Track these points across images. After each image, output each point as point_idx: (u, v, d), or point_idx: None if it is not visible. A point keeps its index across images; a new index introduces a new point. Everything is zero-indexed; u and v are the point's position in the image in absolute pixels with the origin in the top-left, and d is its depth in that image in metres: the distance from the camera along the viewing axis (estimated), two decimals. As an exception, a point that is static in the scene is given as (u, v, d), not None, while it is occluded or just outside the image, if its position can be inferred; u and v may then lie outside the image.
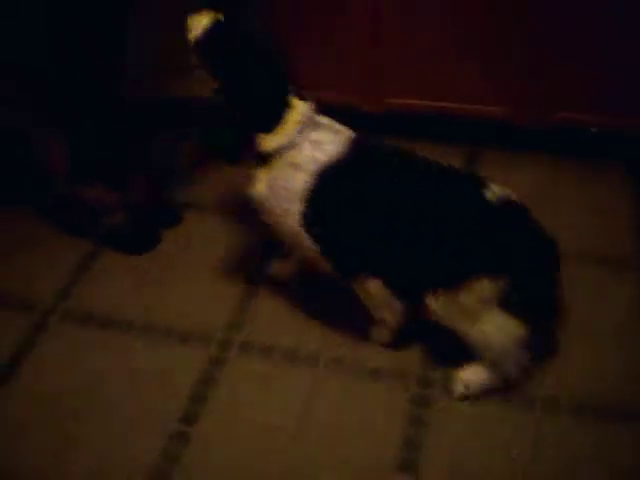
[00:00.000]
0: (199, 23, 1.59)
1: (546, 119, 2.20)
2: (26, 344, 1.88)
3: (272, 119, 1.57)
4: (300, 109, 1.58)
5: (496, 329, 1.54)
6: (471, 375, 1.66)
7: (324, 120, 1.62)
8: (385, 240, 1.55)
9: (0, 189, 2.28)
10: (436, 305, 1.55)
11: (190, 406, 1.71)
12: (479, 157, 2.35)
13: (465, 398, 1.67)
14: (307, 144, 1.56)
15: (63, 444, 1.66)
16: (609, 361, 1.74)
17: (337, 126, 1.62)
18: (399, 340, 1.79)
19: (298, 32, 2.23)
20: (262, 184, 1.62)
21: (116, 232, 2.12)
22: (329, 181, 1.55)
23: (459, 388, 1.67)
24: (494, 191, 1.51)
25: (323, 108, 1.64)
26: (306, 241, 1.61)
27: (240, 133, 1.60)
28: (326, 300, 1.89)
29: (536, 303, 1.58)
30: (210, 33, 1.58)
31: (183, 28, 1.62)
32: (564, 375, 1.71)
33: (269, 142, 1.58)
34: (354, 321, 1.82)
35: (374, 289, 1.66)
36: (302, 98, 1.61)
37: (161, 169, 2.31)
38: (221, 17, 1.60)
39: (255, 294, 1.96)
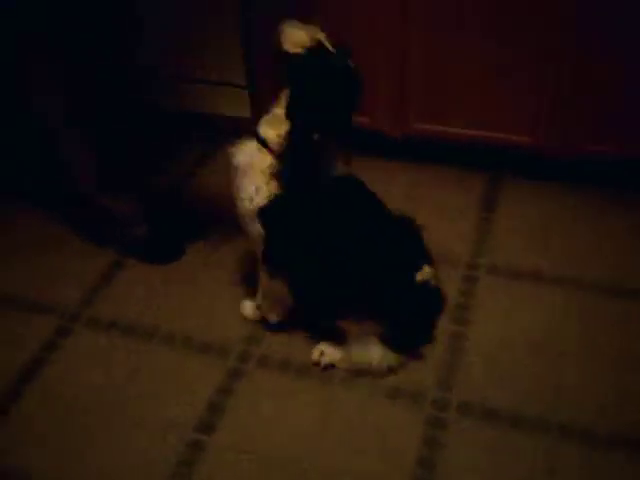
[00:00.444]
0: (303, 40, 1.58)
1: (573, 149, 2.23)
2: (50, 347, 1.92)
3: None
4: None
5: (370, 355, 1.76)
6: (329, 349, 1.83)
7: None
8: (308, 255, 1.70)
9: (32, 193, 2.35)
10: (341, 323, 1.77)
11: (207, 415, 1.74)
12: (499, 183, 2.39)
13: (316, 364, 1.84)
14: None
15: (79, 447, 1.69)
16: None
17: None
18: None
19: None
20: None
21: (140, 243, 2.16)
22: (299, 199, 1.67)
23: (315, 353, 1.85)
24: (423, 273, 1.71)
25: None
26: (253, 224, 1.72)
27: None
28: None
29: (414, 343, 1.83)
30: (311, 54, 1.58)
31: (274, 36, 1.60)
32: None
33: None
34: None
35: (277, 288, 1.81)
36: None
37: (186, 181, 2.36)
38: (322, 37, 1.60)
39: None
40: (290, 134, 1.61)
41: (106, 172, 2.09)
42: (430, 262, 1.77)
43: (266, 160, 1.66)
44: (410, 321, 1.74)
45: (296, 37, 1.58)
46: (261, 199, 1.68)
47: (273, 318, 1.91)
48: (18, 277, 2.14)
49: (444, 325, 1.91)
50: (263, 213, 1.69)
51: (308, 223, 1.69)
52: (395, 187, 2.37)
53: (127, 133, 2.23)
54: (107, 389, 1.82)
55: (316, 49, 1.58)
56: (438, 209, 2.30)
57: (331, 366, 1.84)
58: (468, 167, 2.42)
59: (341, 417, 1.73)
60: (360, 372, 1.81)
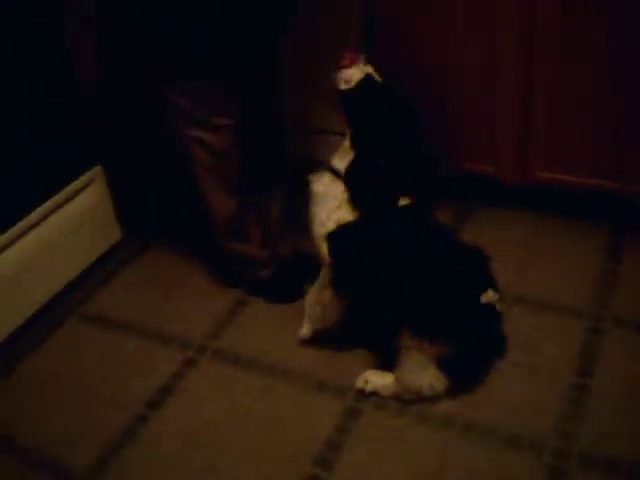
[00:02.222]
0: (353, 76, 1.75)
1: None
2: (177, 377, 2.02)
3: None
4: None
5: (420, 377, 1.79)
6: (374, 376, 1.89)
7: None
8: (372, 278, 1.78)
9: (174, 233, 2.51)
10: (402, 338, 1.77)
11: (325, 452, 1.77)
12: (622, 234, 2.34)
13: (360, 391, 1.88)
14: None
15: (199, 475, 1.75)
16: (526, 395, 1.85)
17: None
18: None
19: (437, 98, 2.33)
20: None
21: (264, 283, 2.25)
22: (361, 228, 1.79)
23: (359, 381, 1.89)
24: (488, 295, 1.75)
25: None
26: (324, 246, 1.83)
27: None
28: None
29: (469, 372, 1.85)
30: (360, 87, 1.76)
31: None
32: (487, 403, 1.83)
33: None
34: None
35: (336, 306, 1.93)
36: None
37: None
38: (371, 70, 1.77)
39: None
40: (353, 163, 1.77)
41: (239, 218, 2.21)
42: (496, 288, 1.79)
43: (338, 189, 1.80)
44: (473, 342, 1.76)
45: (346, 75, 1.76)
46: (331, 224, 1.79)
47: (305, 332, 2.03)
48: (152, 311, 2.26)
49: (565, 377, 1.88)
50: (332, 237, 1.80)
51: (374, 249, 1.77)
52: (513, 235, 2.37)
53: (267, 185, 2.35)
54: (228, 421, 1.88)
55: (365, 82, 1.75)
56: (558, 259, 2.27)
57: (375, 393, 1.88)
58: (590, 217, 2.37)
59: (460, 467, 1.71)
60: (401, 398, 1.84)
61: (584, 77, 2.13)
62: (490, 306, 1.76)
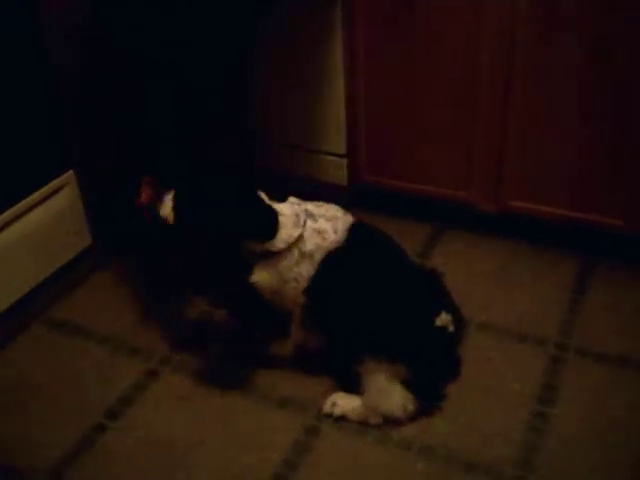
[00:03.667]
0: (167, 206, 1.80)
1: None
2: (138, 388, 2.00)
3: (269, 230, 1.75)
4: (288, 210, 1.78)
5: (390, 398, 1.79)
6: (342, 400, 1.87)
7: (315, 209, 1.80)
8: (337, 312, 1.81)
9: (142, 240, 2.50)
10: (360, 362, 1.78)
11: (283, 469, 1.76)
12: (593, 265, 2.36)
13: (329, 415, 1.86)
14: (311, 234, 1.76)
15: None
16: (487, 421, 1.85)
17: (331, 211, 1.82)
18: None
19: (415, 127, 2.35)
20: (267, 274, 1.80)
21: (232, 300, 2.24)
22: (329, 265, 1.77)
23: (326, 405, 1.88)
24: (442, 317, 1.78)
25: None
26: (301, 299, 1.83)
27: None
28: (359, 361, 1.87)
29: (437, 385, 1.87)
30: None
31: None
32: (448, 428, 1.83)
33: (275, 244, 1.75)
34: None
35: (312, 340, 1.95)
36: (279, 198, 1.82)
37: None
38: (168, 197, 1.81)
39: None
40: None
41: None
42: (448, 309, 1.82)
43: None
44: (429, 364, 1.78)
45: (166, 208, 1.80)
46: (304, 283, 1.79)
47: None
48: (118, 320, 2.24)
49: (528, 403, 1.89)
50: (309, 291, 1.80)
51: (338, 279, 1.79)
52: (483, 261, 2.40)
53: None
54: (187, 435, 1.87)
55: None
56: (526, 287, 2.28)
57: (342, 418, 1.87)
58: (560, 246, 2.40)
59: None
60: (367, 421, 1.84)
61: (559, 108, 2.16)
62: (443, 328, 1.79)
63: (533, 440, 1.80)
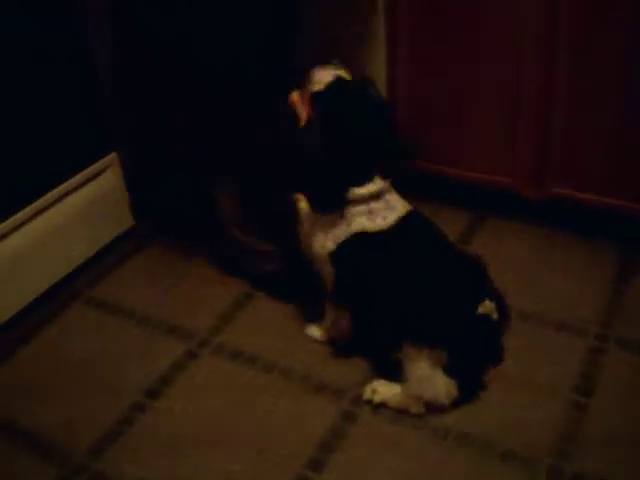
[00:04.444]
0: (324, 78, 1.76)
1: None
2: (177, 368, 2.03)
3: (368, 174, 1.77)
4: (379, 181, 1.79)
5: (433, 385, 1.77)
6: (382, 387, 1.87)
7: (390, 196, 1.81)
8: (374, 289, 1.82)
9: (178, 226, 2.52)
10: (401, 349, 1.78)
11: (318, 454, 1.78)
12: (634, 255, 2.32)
13: (369, 402, 1.86)
14: (364, 210, 1.77)
15: (191, 469, 1.76)
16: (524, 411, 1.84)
17: (394, 201, 1.81)
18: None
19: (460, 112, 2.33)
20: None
21: (271, 276, 2.25)
22: (360, 244, 1.78)
23: (366, 392, 1.88)
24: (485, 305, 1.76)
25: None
26: (327, 265, 1.85)
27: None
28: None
29: (478, 372, 1.85)
30: (330, 89, 1.76)
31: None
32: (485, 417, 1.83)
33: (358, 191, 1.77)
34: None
35: (344, 320, 1.97)
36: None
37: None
38: (345, 74, 1.78)
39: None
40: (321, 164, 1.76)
41: (250, 216, 2.22)
42: (492, 297, 1.80)
43: None
44: (471, 351, 1.77)
45: (318, 76, 1.78)
46: (330, 244, 1.81)
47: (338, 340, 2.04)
48: (158, 299, 2.28)
49: (566, 393, 1.88)
50: (334, 256, 1.82)
51: (374, 263, 1.79)
52: (523, 249, 2.38)
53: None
54: (225, 415, 1.89)
55: (335, 82, 1.76)
56: (566, 276, 2.26)
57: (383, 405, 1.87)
58: (602, 235, 2.36)
59: (450, 476, 1.72)
60: (408, 409, 1.84)
61: (605, 93, 2.12)
62: (487, 316, 1.77)
63: (570, 430, 1.79)
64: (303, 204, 1.90)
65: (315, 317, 2.09)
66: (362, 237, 1.78)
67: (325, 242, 1.83)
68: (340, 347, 2.03)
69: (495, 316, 1.80)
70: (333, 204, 1.79)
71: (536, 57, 2.14)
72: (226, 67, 2.03)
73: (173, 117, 2.29)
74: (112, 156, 2.37)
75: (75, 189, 2.28)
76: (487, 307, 1.77)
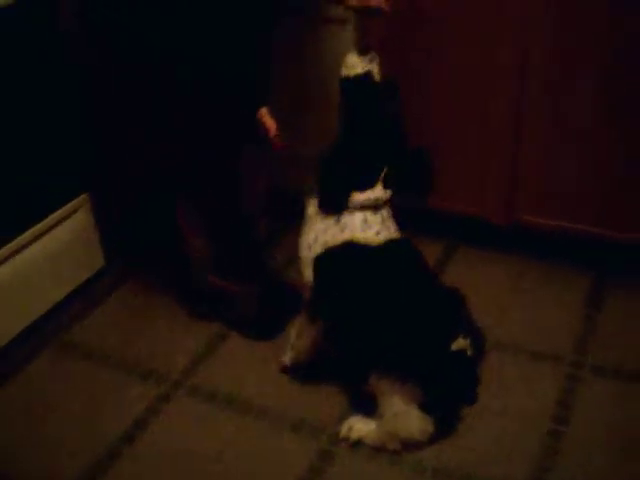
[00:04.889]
0: (355, 66, 1.77)
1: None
2: (151, 412, 2.00)
3: (371, 180, 1.77)
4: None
5: (408, 421, 1.76)
6: (359, 423, 1.85)
7: (386, 213, 1.82)
8: (350, 307, 1.79)
9: (152, 268, 2.51)
10: (372, 381, 1.76)
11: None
12: (606, 280, 2.34)
13: (344, 440, 1.85)
14: (360, 218, 1.77)
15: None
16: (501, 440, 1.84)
17: (388, 222, 1.82)
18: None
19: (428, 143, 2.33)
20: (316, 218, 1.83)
21: (245, 319, 2.24)
22: (347, 254, 1.77)
23: (343, 429, 1.86)
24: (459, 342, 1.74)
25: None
26: (308, 270, 1.84)
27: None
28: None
29: (453, 408, 1.85)
30: (355, 83, 1.77)
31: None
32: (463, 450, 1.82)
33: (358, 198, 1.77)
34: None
35: (312, 334, 1.94)
36: None
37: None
38: (376, 70, 1.79)
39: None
40: (333, 147, 1.78)
41: (222, 256, 2.21)
42: (467, 333, 1.78)
43: None
44: (444, 387, 1.75)
45: (350, 62, 1.78)
46: (318, 248, 1.79)
47: (286, 360, 2.04)
48: (130, 343, 2.25)
49: (543, 422, 1.88)
50: (317, 261, 1.80)
51: (355, 278, 1.78)
52: (496, 277, 2.39)
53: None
54: (202, 456, 1.87)
55: (364, 75, 1.77)
56: (539, 304, 2.27)
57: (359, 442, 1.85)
58: (573, 262, 2.38)
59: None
60: (385, 447, 1.81)
61: (573, 123, 2.15)
62: (461, 352, 1.76)
63: (548, 459, 1.79)
64: (311, 209, 1.86)
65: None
66: (351, 247, 1.77)
67: (314, 245, 1.81)
68: (302, 371, 2.02)
69: (469, 352, 1.79)
70: (337, 204, 1.78)
71: (504, 83, 2.17)
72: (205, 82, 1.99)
73: (149, 145, 2.25)
74: (82, 198, 2.36)
75: (46, 231, 2.26)
76: (461, 344, 1.76)
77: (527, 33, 2.08)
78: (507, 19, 2.09)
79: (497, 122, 2.23)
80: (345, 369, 1.98)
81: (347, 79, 1.79)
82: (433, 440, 1.82)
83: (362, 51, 1.79)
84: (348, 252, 1.78)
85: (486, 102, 2.21)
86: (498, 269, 2.42)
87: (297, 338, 2.00)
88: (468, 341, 1.77)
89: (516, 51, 2.11)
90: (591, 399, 1.94)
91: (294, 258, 1.91)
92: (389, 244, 1.79)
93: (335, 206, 1.78)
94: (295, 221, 1.94)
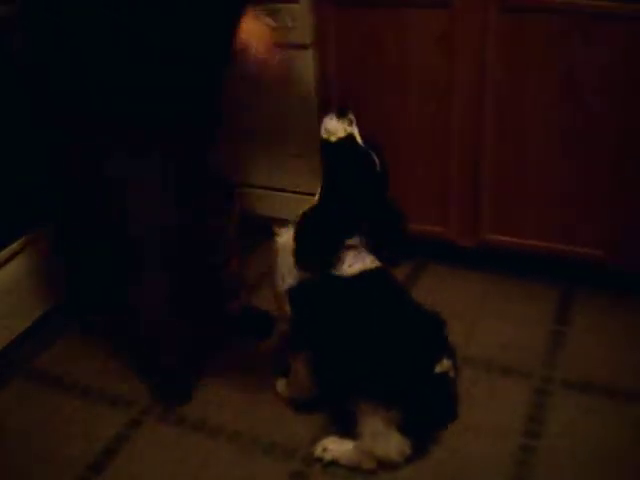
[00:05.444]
0: (336, 131, 1.76)
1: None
2: (121, 439, 1.97)
3: (350, 234, 1.77)
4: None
5: (387, 442, 1.75)
6: (333, 444, 1.85)
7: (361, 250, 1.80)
8: (330, 336, 1.78)
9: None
10: (353, 401, 1.76)
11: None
12: (572, 296, 2.37)
13: (318, 460, 1.84)
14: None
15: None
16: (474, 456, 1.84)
17: (363, 253, 1.80)
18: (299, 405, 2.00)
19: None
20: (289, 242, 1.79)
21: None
22: (320, 285, 1.77)
23: (317, 450, 1.85)
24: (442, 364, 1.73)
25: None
26: (285, 304, 1.84)
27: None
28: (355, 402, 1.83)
29: (429, 429, 1.85)
30: (339, 146, 1.76)
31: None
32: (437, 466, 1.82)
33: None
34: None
35: (302, 366, 1.91)
36: None
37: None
38: (354, 131, 1.78)
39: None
40: (313, 208, 1.78)
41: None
42: (450, 355, 1.78)
43: None
44: (426, 409, 1.74)
45: (331, 126, 1.76)
46: (292, 280, 1.79)
47: (290, 394, 2.01)
48: (98, 370, 2.23)
49: (515, 437, 1.88)
50: (293, 293, 1.80)
51: (333, 307, 1.77)
52: (464, 295, 2.40)
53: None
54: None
55: (345, 139, 1.76)
56: (507, 320, 2.29)
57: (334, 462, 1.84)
58: (540, 278, 2.41)
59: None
60: (360, 467, 1.81)
61: (534, 142, 2.19)
62: (443, 374, 1.74)
63: (521, 474, 1.79)
64: (280, 239, 1.84)
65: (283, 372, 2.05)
66: (324, 278, 1.76)
67: (287, 277, 1.80)
68: (297, 405, 2.00)
69: (452, 373, 1.78)
70: (321, 265, 1.76)
71: (463, 103, 2.21)
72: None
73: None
74: (42, 230, 2.34)
75: (4, 263, 2.24)
76: (445, 366, 1.74)
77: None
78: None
79: (457, 137, 2.27)
80: (325, 392, 1.96)
81: (328, 143, 1.77)
82: (409, 460, 1.82)
83: (340, 113, 1.77)
84: (321, 283, 1.77)
85: (444, 116, 2.25)
86: (467, 286, 2.45)
87: (293, 375, 1.97)
88: (451, 362, 1.76)
89: (474, 66, 2.15)
90: (561, 413, 1.95)
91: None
92: (364, 274, 1.78)
93: (317, 267, 1.77)
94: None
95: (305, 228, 1.76)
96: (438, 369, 1.73)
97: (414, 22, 2.17)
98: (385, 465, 1.80)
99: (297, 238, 1.76)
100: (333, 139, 1.76)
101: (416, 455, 1.82)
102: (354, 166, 1.75)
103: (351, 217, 1.76)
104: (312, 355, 1.89)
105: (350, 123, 1.77)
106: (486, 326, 2.27)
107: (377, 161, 1.76)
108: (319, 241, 1.74)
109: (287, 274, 1.80)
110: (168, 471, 1.87)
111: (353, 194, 1.75)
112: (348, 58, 2.30)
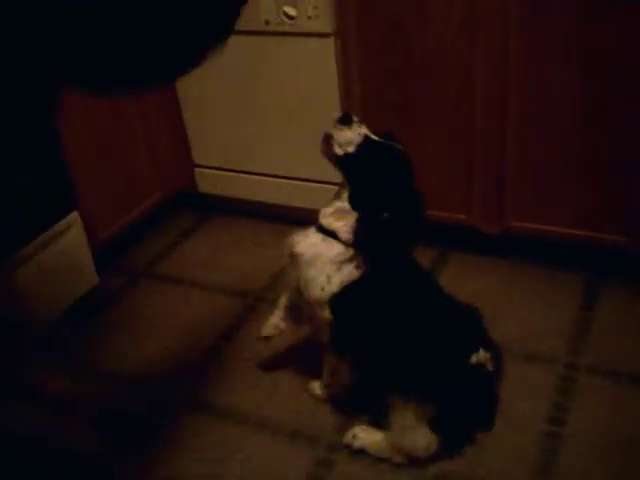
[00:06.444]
0: (351, 140, 1.70)
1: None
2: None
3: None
4: None
5: (415, 436, 1.74)
6: (363, 433, 1.85)
7: None
8: (376, 343, 1.76)
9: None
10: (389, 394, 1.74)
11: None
12: (598, 282, 2.35)
13: (347, 447, 1.85)
14: None
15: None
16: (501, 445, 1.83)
17: None
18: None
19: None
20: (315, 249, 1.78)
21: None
22: (364, 287, 1.74)
23: (347, 437, 1.86)
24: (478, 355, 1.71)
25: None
26: (325, 311, 1.78)
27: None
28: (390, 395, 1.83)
29: (466, 431, 1.81)
30: (361, 150, 1.71)
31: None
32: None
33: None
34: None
35: (346, 367, 1.88)
36: None
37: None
38: (366, 131, 1.73)
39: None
40: (360, 222, 1.72)
41: None
42: (488, 347, 1.76)
43: (333, 249, 1.75)
44: (461, 404, 1.71)
45: (345, 138, 1.71)
46: (334, 287, 1.75)
47: (329, 394, 1.99)
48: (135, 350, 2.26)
49: (540, 424, 1.88)
50: (335, 300, 1.76)
51: (375, 308, 1.75)
52: (489, 283, 2.40)
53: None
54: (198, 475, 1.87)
55: (364, 143, 1.71)
56: (533, 308, 2.28)
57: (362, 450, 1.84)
58: (565, 265, 2.40)
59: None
60: (390, 458, 1.80)
61: (557, 126, 2.17)
62: (480, 366, 1.72)
63: (546, 461, 1.79)
64: (303, 249, 1.79)
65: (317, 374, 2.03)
66: (367, 280, 1.74)
67: (327, 285, 1.76)
68: (339, 401, 1.99)
69: (490, 367, 1.75)
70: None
71: (486, 87, 2.20)
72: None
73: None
74: (74, 215, 2.37)
75: (38, 251, 2.26)
76: (481, 357, 1.72)
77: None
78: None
79: (481, 124, 2.25)
80: (363, 388, 1.95)
81: (349, 155, 1.71)
82: (435, 456, 1.80)
83: (346, 120, 1.72)
84: (366, 285, 1.75)
85: (468, 105, 2.24)
86: (491, 274, 2.44)
87: (331, 376, 1.95)
88: (489, 355, 1.74)
89: (493, 50, 2.13)
90: (586, 400, 1.95)
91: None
92: (401, 272, 1.77)
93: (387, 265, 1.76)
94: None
95: (371, 244, 1.72)
96: (474, 359, 1.71)
97: (436, 7, 2.16)
98: (412, 459, 1.80)
99: (370, 255, 1.73)
100: (351, 149, 1.71)
101: (448, 453, 1.81)
102: (386, 163, 1.72)
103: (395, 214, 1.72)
104: (356, 355, 1.87)
105: (359, 124, 1.73)
106: (510, 314, 2.26)
107: (398, 152, 1.74)
108: (389, 250, 1.73)
109: (327, 283, 1.76)
110: (194, 458, 1.89)
111: (389, 193, 1.71)
112: (370, 45, 2.29)
